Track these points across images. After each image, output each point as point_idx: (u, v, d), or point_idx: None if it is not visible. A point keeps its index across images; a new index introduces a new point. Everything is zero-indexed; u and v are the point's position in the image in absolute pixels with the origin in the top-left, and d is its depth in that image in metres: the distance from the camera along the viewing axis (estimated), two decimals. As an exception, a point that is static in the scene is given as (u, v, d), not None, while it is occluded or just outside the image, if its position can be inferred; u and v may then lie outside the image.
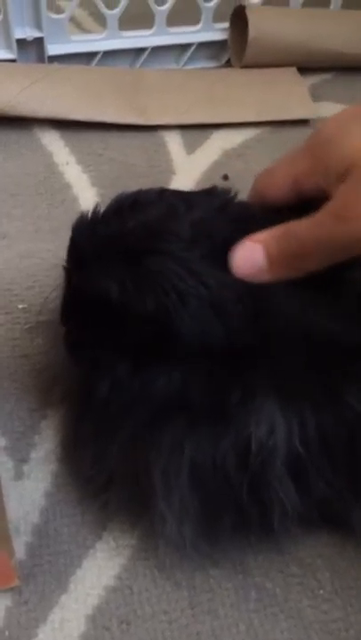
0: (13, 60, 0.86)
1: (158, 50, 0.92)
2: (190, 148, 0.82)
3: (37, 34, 0.84)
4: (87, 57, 0.89)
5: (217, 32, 0.93)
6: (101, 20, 0.91)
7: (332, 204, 0.40)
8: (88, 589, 0.46)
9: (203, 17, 0.91)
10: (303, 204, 0.44)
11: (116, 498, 0.48)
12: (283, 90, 0.88)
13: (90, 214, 0.45)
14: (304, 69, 0.93)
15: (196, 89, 0.87)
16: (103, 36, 0.89)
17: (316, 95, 0.91)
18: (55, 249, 0.66)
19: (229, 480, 0.44)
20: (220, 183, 0.50)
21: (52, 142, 0.80)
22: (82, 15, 1.01)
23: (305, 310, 0.42)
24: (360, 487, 0.44)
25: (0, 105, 0.78)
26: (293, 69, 0.92)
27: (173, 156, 0.81)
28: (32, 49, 0.86)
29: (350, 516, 0.46)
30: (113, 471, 0.47)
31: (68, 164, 0.78)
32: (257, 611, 0.46)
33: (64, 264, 0.47)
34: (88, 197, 0.73)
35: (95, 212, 0.45)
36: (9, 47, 0.85)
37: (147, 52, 0.91)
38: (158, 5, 0.88)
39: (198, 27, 0.92)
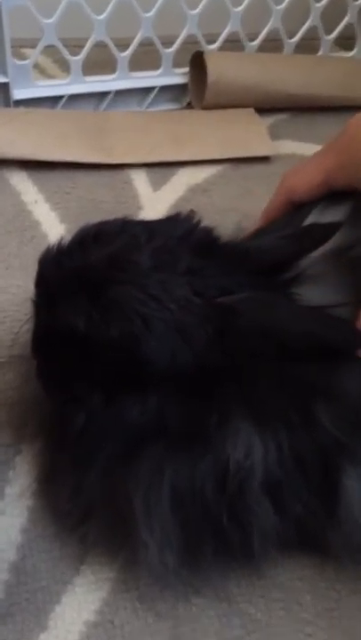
0: (-21, 105, 0.88)
1: (121, 94, 0.95)
2: (156, 185, 0.84)
3: (2, 79, 0.86)
4: (52, 101, 0.91)
5: (177, 76, 0.97)
6: (65, 67, 0.94)
7: None
8: (68, 626, 0.45)
9: (163, 62, 0.95)
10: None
11: (94, 530, 0.47)
12: (243, 129, 0.92)
13: (55, 247, 0.46)
14: (261, 110, 0.97)
15: (159, 129, 0.90)
16: (67, 80, 0.91)
17: (275, 134, 0.95)
18: (25, 284, 0.66)
19: (209, 504, 0.44)
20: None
21: (21, 182, 0.81)
22: (46, 62, 1.05)
23: (270, 323, 0.43)
24: (333, 507, 0.45)
25: (-33, 147, 0.79)
26: (251, 110, 0.96)
27: (140, 192, 0.82)
28: (-2, 93, 0.88)
29: (326, 536, 0.46)
30: (91, 502, 0.46)
31: (36, 202, 0.79)
32: (241, 638, 0.45)
33: (33, 298, 0.47)
34: (57, 233, 0.74)
35: (60, 244, 0.46)
36: (-25, 93, 0.87)
37: (110, 96, 0.94)
38: (120, 52, 0.91)
39: (159, 71, 0.96)
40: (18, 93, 0.88)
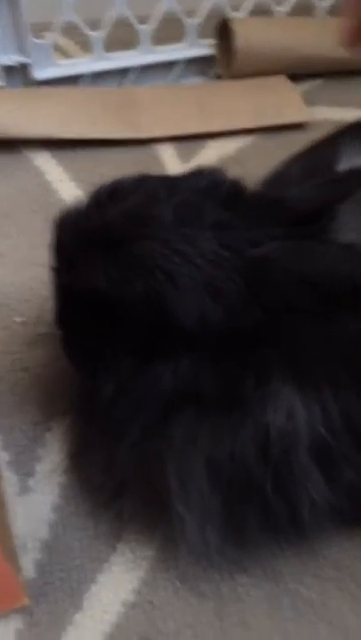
0: (0, 87, 0.86)
1: (146, 69, 0.92)
2: (185, 158, 0.81)
3: (23, 59, 0.85)
4: (74, 80, 0.89)
5: (203, 48, 0.94)
6: (88, 48, 0.92)
7: None
8: (105, 606, 0.42)
9: (187, 33, 0.92)
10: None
11: (129, 505, 0.44)
12: (275, 96, 0.88)
13: (70, 209, 0.43)
14: (294, 77, 0.93)
15: (187, 101, 0.86)
16: (89, 58, 0.89)
17: (309, 100, 0.90)
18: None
19: (251, 474, 0.40)
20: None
21: (45, 162, 0.80)
22: (68, 44, 1.03)
23: (309, 270, 0.39)
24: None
25: (-10, 128, 0.78)
26: (284, 77, 0.92)
27: (168, 167, 0.79)
28: (19, 75, 0.86)
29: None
30: (125, 475, 0.43)
31: (61, 181, 0.77)
32: (292, 619, 0.41)
33: (52, 264, 0.45)
34: (84, 210, 0.72)
35: (76, 206, 0.43)
36: (-4, 74, 0.86)
37: (134, 72, 0.91)
38: (142, 24, 0.89)
39: (184, 43, 0.93)
40: (39, 73, 0.86)
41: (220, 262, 0.39)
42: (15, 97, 0.82)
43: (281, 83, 0.90)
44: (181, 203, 0.41)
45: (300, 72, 0.93)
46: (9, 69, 0.85)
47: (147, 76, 0.93)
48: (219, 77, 0.96)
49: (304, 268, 0.39)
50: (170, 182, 0.43)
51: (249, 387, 0.40)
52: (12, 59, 0.84)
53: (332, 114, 0.89)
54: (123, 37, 0.93)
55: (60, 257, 0.43)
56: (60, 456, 0.50)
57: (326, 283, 0.39)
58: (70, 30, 0.95)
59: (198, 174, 0.44)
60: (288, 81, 0.91)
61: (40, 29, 0.95)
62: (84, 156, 0.80)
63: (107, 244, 0.40)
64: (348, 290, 0.38)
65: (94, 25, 0.87)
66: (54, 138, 0.79)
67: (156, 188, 0.42)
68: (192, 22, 0.91)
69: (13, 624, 0.41)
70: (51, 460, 0.50)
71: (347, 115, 0.80)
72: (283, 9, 0.95)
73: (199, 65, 0.95)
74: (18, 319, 0.61)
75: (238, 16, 0.93)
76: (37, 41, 0.85)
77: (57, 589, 0.43)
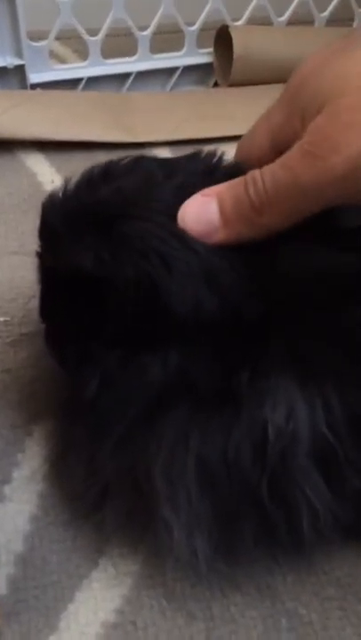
0: (-4, 90, 0.85)
1: (143, 76, 0.91)
2: (181, 163, 0.79)
3: (18, 62, 0.83)
4: (70, 85, 0.88)
5: (202, 56, 0.93)
6: (85, 56, 0.90)
7: (303, 140, 0.34)
8: (82, 627, 0.38)
9: (186, 41, 0.91)
10: None
11: (113, 514, 0.40)
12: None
13: (59, 191, 0.40)
14: (293, 87, 0.91)
15: (184, 107, 0.85)
16: (86, 63, 0.87)
17: (308, 110, 0.88)
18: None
19: (245, 477, 0.37)
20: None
21: (37, 163, 0.77)
22: (65, 52, 1.01)
23: (315, 267, 0.37)
24: None
25: (-19, 129, 0.76)
26: (281, 86, 0.90)
27: (164, 171, 0.77)
28: (14, 78, 0.85)
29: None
30: (108, 479, 0.40)
31: (53, 182, 0.74)
32: (291, 642, 0.37)
33: (37, 249, 0.42)
34: (75, 212, 0.69)
35: (65, 187, 0.40)
36: (-10, 77, 0.84)
37: (131, 78, 0.90)
38: (141, 31, 0.87)
39: (183, 51, 0.91)
40: (34, 77, 0.85)
41: (222, 251, 0.37)
42: (9, 97, 0.80)
43: (278, 91, 0.89)
44: (179, 185, 0.38)
45: (300, 81, 0.91)
46: (4, 71, 0.83)
47: (144, 83, 0.91)
48: (216, 86, 0.94)
49: (310, 258, 0.36)
50: (167, 164, 0.40)
51: (245, 381, 0.37)
52: (8, 61, 0.83)
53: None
54: (122, 46, 0.92)
55: (44, 239, 0.41)
56: (39, 462, 0.46)
57: (333, 274, 0.36)
58: (68, 38, 0.95)
59: (196, 157, 0.42)
60: (287, 89, 0.89)
61: (38, 37, 0.95)
62: (77, 159, 0.78)
63: (96, 223, 0.37)
64: (356, 281, 0.35)
65: (93, 33, 0.86)
66: (47, 139, 0.77)
67: (153, 169, 0.39)
68: (191, 30, 0.90)
69: (-21, 645, 0.37)
70: (30, 466, 0.46)
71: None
72: (282, 19, 0.94)
73: (197, 73, 0.94)
74: (2, 318, 0.57)
75: (237, 23, 0.91)
76: (34, 44, 0.83)
77: (30, 608, 0.39)
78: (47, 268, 0.41)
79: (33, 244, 0.68)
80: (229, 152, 0.84)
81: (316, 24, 0.97)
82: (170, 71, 0.92)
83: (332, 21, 0.98)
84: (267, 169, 0.35)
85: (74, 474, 0.42)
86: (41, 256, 0.41)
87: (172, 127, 0.81)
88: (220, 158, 0.42)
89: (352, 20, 1.01)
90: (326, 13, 0.97)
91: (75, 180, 0.41)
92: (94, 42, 0.86)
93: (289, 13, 0.94)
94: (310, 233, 0.39)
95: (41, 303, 0.43)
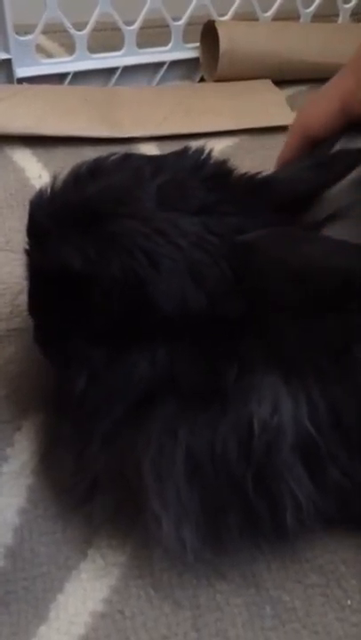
0: (-19, 84, 0.84)
1: (130, 70, 0.91)
2: (168, 158, 0.79)
3: (4, 55, 0.83)
4: (57, 79, 0.88)
5: (188, 51, 0.93)
6: (72, 50, 0.90)
7: None
8: (72, 617, 0.39)
9: (173, 36, 0.91)
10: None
11: (101, 507, 0.41)
12: (259, 98, 0.87)
13: (47, 188, 0.41)
14: (279, 82, 0.92)
15: (170, 101, 0.85)
16: (72, 57, 0.87)
17: (294, 105, 0.89)
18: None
19: (231, 471, 0.38)
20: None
21: (24, 158, 0.77)
22: (52, 46, 1.01)
23: (298, 260, 0.37)
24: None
25: (-33, 123, 0.76)
26: (268, 81, 0.91)
27: (151, 166, 0.77)
28: (0, 71, 0.84)
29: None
30: (97, 473, 0.40)
31: (40, 177, 0.74)
32: (274, 628, 0.38)
33: (25, 247, 0.42)
34: (62, 207, 0.69)
35: (54, 184, 0.41)
36: (-24, 71, 0.84)
37: (118, 73, 0.90)
38: (127, 25, 0.87)
39: (169, 46, 0.91)
40: (21, 71, 0.85)
41: (205, 246, 0.37)
42: (-6, 92, 0.80)
43: (265, 86, 0.90)
44: (166, 182, 0.39)
45: (285, 77, 0.92)
46: (-11, 66, 0.83)
47: (130, 78, 0.92)
48: (203, 81, 0.94)
49: (292, 258, 0.37)
50: (155, 161, 0.41)
51: (231, 377, 0.38)
52: (-7, 55, 0.82)
53: (318, 119, 0.88)
54: (108, 40, 0.92)
55: (32, 236, 0.41)
56: (28, 456, 0.47)
57: (315, 276, 0.37)
58: (55, 32, 0.94)
59: (184, 154, 0.42)
60: (272, 85, 0.90)
61: (25, 31, 0.94)
62: (64, 153, 0.78)
63: (83, 221, 0.37)
64: (338, 284, 0.36)
65: (79, 27, 0.86)
66: (33, 134, 0.77)
67: (141, 166, 0.40)
68: (177, 25, 0.90)
69: (-30, 635, 0.38)
70: (19, 460, 0.47)
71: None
72: (268, 14, 0.95)
73: (183, 68, 0.94)
74: (-11, 314, 0.58)
75: (224, 19, 0.92)
76: (20, 38, 0.83)
77: (20, 599, 0.39)
78: (35, 266, 0.41)
79: (20, 239, 0.68)
80: (216, 147, 0.85)
81: (302, 19, 0.97)
82: (156, 66, 0.92)
83: (318, 17, 0.99)
84: None
85: (62, 468, 0.43)
86: (29, 253, 0.42)
87: (158, 122, 0.82)
88: (209, 155, 0.43)
89: (337, 15, 1.02)
90: (312, 9, 0.97)
91: (62, 176, 0.41)
92: (81, 36, 0.86)
93: (275, 9, 0.95)
94: (293, 230, 0.40)
95: (29, 300, 0.44)
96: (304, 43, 0.91)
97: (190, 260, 0.37)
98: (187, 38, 0.93)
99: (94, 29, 0.86)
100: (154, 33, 0.93)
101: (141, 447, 0.38)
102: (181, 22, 0.90)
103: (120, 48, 0.89)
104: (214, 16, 0.91)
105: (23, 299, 0.47)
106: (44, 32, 0.88)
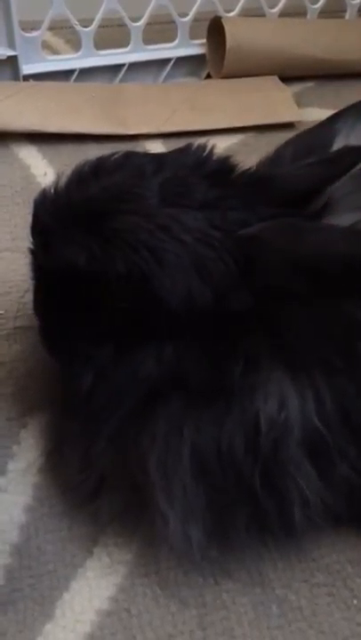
0: (-12, 81, 0.84)
1: (136, 67, 0.90)
2: (174, 155, 0.79)
3: (11, 52, 0.83)
4: (63, 76, 0.87)
5: (194, 47, 0.93)
6: (78, 47, 0.90)
7: None
8: (77, 615, 0.39)
9: (179, 32, 0.90)
10: None
11: (108, 504, 0.41)
12: (266, 95, 0.86)
13: (51, 187, 0.41)
14: (286, 79, 0.91)
15: (176, 98, 0.84)
16: (79, 54, 0.87)
17: (301, 102, 0.89)
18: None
19: (238, 467, 0.37)
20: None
21: (29, 156, 0.77)
22: (58, 43, 1.01)
23: (303, 249, 0.37)
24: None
25: (-27, 120, 0.76)
26: (275, 77, 0.90)
27: (156, 163, 0.77)
28: (7, 69, 0.84)
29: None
30: (103, 471, 0.40)
31: (46, 174, 0.74)
32: (281, 627, 0.38)
33: (30, 246, 0.42)
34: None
35: (57, 184, 0.41)
36: (-18, 68, 0.84)
37: (124, 69, 0.89)
38: (134, 22, 0.87)
39: (175, 42, 0.91)
40: (27, 68, 0.84)
41: (209, 241, 0.37)
42: (0, 89, 0.79)
43: (272, 83, 0.89)
44: (168, 179, 0.39)
45: (291, 74, 0.91)
46: (-4, 63, 0.83)
47: (137, 75, 0.91)
48: (209, 77, 0.94)
49: (295, 247, 0.37)
50: (157, 159, 0.41)
51: (237, 374, 0.38)
52: (1, 52, 0.82)
53: (324, 116, 0.87)
54: (114, 37, 0.91)
55: (36, 235, 0.41)
56: (34, 454, 0.47)
57: (318, 263, 0.37)
58: (61, 29, 0.94)
59: (186, 151, 0.42)
60: (279, 82, 0.90)
61: (31, 27, 0.94)
62: (69, 150, 0.78)
63: (87, 219, 0.37)
64: (341, 270, 0.36)
65: (85, 24, 0.86)
66: (39, 131, 0.77)
67: (143, 164, 0.40)
68: (184, 22, 0.90)
69: (-23, 633, 0.38)
70: (25, 458, 0.47)
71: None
72: (275, 10, 0.94)
73: (189, 64, 0.94)
74: (-5, 312, 0.58)
75: (230, 15, 0.91)
76: (26, 34, 0.83)
77: (26, 597, 0.39)
78: (40, 265, 0.41)
79: (26, 237, 0.68)
80: (221, 144, 0.85)
81: (309, 16, 0.97)
82: (162, 62, 0.92)
83: (324, 13, 0.98)
84: None
85: (69, 466, 0.43)
86: (33, 252, 0.42)
87: (164, 119, 0.81)
88: (211, 151, 0.42)
89: (344, 11, 1.01)
90: (318, 5, 0.97)
91: (66, 176, 0.41)
92: (87, 33, 0.86)
93: (281, 5, 0.94)
94: (296, 221, 0.39)
95: (34, 299, 0.44)
96: (311, 39, 0.91)
97: (195, 256, 0.37)
98: (193, 35, 0.92)
99: (100, 26, 0.86)
100: (160, 29, 0.93)
101: (147, 444, 0.38)
102: (188, 19, 0.90)
103: (126, 45, 0.89)
104: (221, 12, 0.91)
105: (30, 297, 0.47)
106: (50, 28, 0.88)
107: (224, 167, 0.41)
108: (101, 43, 0.89)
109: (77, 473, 0.42)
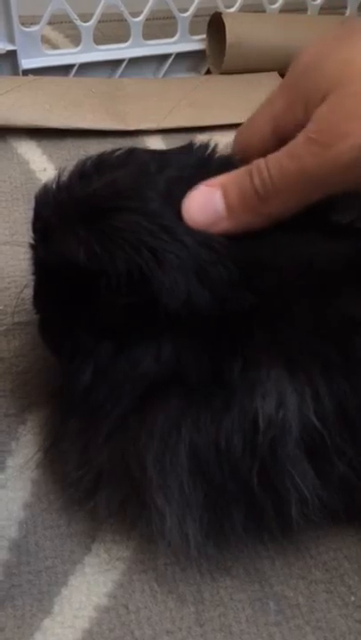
0: (-13, 76, 0.84)
1: (136, 62, 0.90)
2: (174, 151, 0.79)
3: (10, 47, 0.82)
4: (62, 71, 0.87)
5: (194, 42, 0.92)
6: (78, 42, 0.89)
7: (308, 129, 0.34)
8: (76, 611, 0.39)
9: (179, 27, 0.90)
10: None
11: (105, 501, 0.41)
12: (266, 92, 0.85)
13: (52, 183, 0.41)
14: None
15: (176, 94, 0.84)
16: (78, 49, 0.87)
17: (300, 98, 0.88)
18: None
19: (236, 466, 0.38)
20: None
21: (29, 151, 0.77)
22: (57, 37, 1.00)
23: (303, 258, 0.37)
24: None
25: (-28, 115, 0.75)
26: (275, 74, 0.90)
27: (156, 159, 0.77)
28: (5, 62, 0.84)
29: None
30: (101, 468, 0.40)
31: (45, 170, 0.74)
32: (278, 624, 0.38)
33: (30, 241, 0.42)
34: (67, 200, 0.69)
35: (58, 179, 0.41)
36: (-19, 62, 0.83)
37: (124, 64, 0.89)
38: (133, 17, 0.87)
39: (175, 38, 0.91)
40: (26, 62, 0.84)
41: (210, 243, 0.37)
42: (0, 84, 0.79)
43: (272, 79, 0.89)
44: (171, 178, 0.39)
45: (292, 69, 0.91)
46: (-5, 57, 0.83)
47: (136, 70, 0.91)
48: (209, 73, 0.94)
49: (296, 249, 0.37)
50: (160, 157, 0.41)
51: (236, 372, 0.38)
52: (0, 46, 0.82)
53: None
54: (114, 32, 0.91)
55: (37, 231, 0.41)
56: (32, 450, 0.47)
57: (319, 265, 0.37)
58: (60, 23, 0.94)
59: (189, 149, 0.42)
60: (279, 77, 0.89)
61: (30, 22, 0.94)
62: (69, 146, 0.78)
63: (88, 216, 0.37)
64: (340, 268, 0.36)
65: (85, 19, 0.85)
66: (38, 126, 0.77)
67: (146, 161, 0.40)
68: (184, 17, 0.89)
69: (-25, 628, 0.38)
70: (23, 454, 0.47)
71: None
72: (275, 6, 0.94)
73: (189, 60, 0.93)
74: (-6, 308, 0.58)
75: (230, 11, 0.91)
76: (25, 29, 0.82)
77: (25, 593, 0.40)
78: (40, 260, 0.41)
79: (25, 232, 0.68)
80: (222, 141, 0.84)
81: (309, 12, 0.96)
82: (162, 58, 0.91)
83: (325, 9, 0.97)
84: (272, 158, 0.35)
85: (67, 462, 0.43)
86: (34, 248, 0.42)
87: (164, 114, 0.81)
88: (214, 150, 0.42)
89: (345, 7, 1.00)
90: (319, 1, 0.96)
91: (68, 171, 0.41)
92: (87, 27, 0.85)
93: (282, 1, 0.94)
94: (297, 224, 0.39)
95: (34, 294, 0.44)
96: (312, 35, 0.90)
97: (195, 257, 0.37)
98: (193, 30, 0.92)
99: (100, 21, 0.86)
100: (160, 24, 0.93)
101: (145, 441, 0.38)
102: (188, 14, 0.89)
103: (126, 40, 0.89)
104: (221, 8, 0.90)
105: (29, 292, 0.47)
106: (50, 23, 0.87)
107: (227, 166, 0.41)
108: (101, 38, 0.89)
109: (76, 469, 0.42)
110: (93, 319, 0.40)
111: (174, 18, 0.90)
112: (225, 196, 0.36)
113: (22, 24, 0.82)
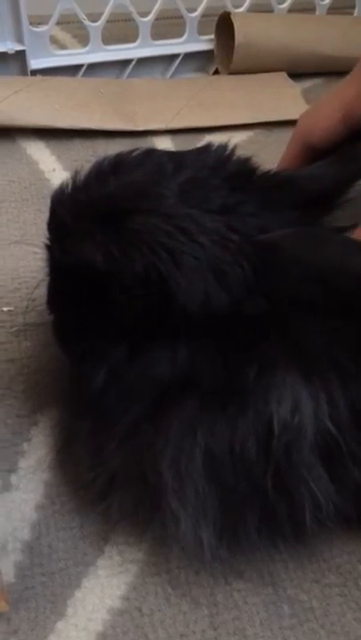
0: (-4, 76, 0.84)
1: (144, 62, 0.90)
2: (183, 152, 0.78)
3: (19, 47, 0.82)
4: (71, 71, 0.87)
5: (202, 43, 0.92)
6: (86, 42, 0.89)
7: None
8: (89, 613, 0.39)
9: (187, 27, 0.90)
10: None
11: (118, 503, 0.41)
12: (275, 92, 0.86)
13: (69, 183, 0.41)
14: (295, 75, 0.91)
15: (184, 94, 0.84)
16: (86, 49, 0.87)
17: (310, 99, 0.88)
18: (42, 252, 0.61)
19: (250, 470, 0.37)
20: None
21: (38, 151, 0.77)
22: (65, 37, 1.00)
23: (320, 261, 0.37)
24: None
25: (-19, 115, 0.75)
26: (284, 74, 0.90)
27: (165, 160, 0.77)
28: (15, 63, 0.84)
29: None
30: (114, 471, 0.40)
31: (54, 170, 0.74)
32: (292, 628, 0.38)
33: (46, 242, 0.42)
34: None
35: (75, 179, 0.41)
36: (-10, 62, 0.83)
37: (132, 65, 0.89)
38: (142, 17, 0.87)
39: (183, 38, 0.91)
40: (35, 63, 0.84)
41: (227, 245, 0.37)
42: (9, 84, 0.79)
43: (281, 79, 0.89)
44: (188, 180, 0.39)
45: (300, 70, 0.91)
46: (5, 57, 0.83)
47: (145, 70, 0.91)
48: (217, 73, 0.94)
49: (313, 258, 0.37)
50: (177, 158, 0.41)
51: (251, 376, 0.38)
52: (9, 46, 0.82)
53: (333, 112, 0.87)
54: (122, 32, 0.91)
55: (54, 231, 0.41)
56: (45, 451, 0.47)
57: (334, 276, 0.36)
58: (69, 23, 0.93)
59: (206, 151, 0.42)
60: (288, 78, 0.89)
61: (39, 22, 0.94)
62: (78, 146, 0.78)
63: (105, 217, 0.37)
64: (357, 285, 0.36)
65: (93, 19, 0.85)
66: (47, 127, 0.77)
67: (163, 162, 0.40)
68: (192, 17, 0.89)
69: (-11, 630, 0.38)
70: (36, 455, 0.47)
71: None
72: (284, 6, 0.94)
73: (198, 60, 0.93)
74: (5, 308, 0.58)
75: (239, 11, 0.91)
76: (34, 29, 0.82)
77: (38, 595, 0.40)
78: (56, 261, 0.41)
79: (35, 233, 0.69)
80: (231, 141, 0.84)
81: (318, 12, 0.96)
82: (170, 58, 0.91)
83: (334, 9, 0.97)
84: None
85: (79, 463, 0.43)
86: (50, 249, 0.42)
87: (172, 115, 0.81)
88: (232, 152, 0.42)
89: (353, 7, 1.00)
90: (327, 1, 0.96)
91: (84, 172, 0.41)
92: (95, 28, 0.85)
93: (290, 1, 0.93)
94: (315, 230, 0.39)
95: (48, 295, 0.44)
96: (320, 35, 0.90)
97: (212, 259, 0.37)
98: (201, 30, 0.92)
99: (108, 21, 0.86)
100: (168, 24, 0.93)
101: (160, 445, 0.38)
102: (196, 14, 0.89)
103: (134, 40, 0.89)
104: (229, 8, 0.90)
105: (39, 293, 0.47)
106: (58, 23, 0.87)
107: (245, 168, 0.41)
108: (109, 38, 0.89)
109: (88, 471, 0.42)
110: (108, 321, 0.39)
111: (182, 18, 0.89)
112: None
113: (31, 24, 0.82)
